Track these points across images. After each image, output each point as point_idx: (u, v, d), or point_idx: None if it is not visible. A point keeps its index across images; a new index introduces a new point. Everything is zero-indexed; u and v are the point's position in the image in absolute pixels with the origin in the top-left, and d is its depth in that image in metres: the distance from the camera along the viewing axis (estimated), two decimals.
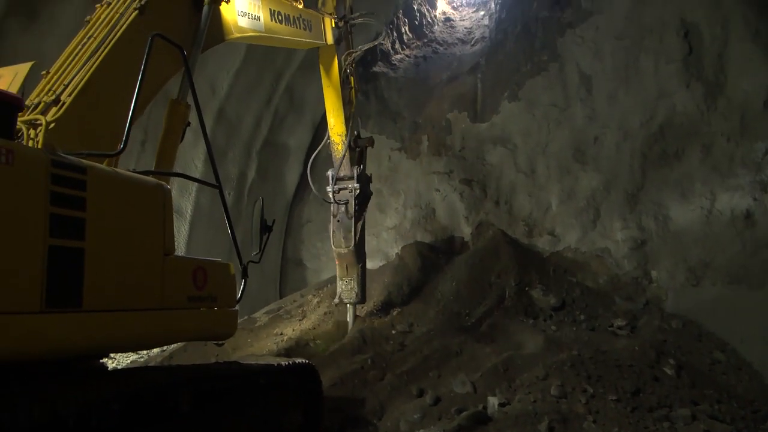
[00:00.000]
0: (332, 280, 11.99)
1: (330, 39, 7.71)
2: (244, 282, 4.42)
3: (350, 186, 8.70)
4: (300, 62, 11.78)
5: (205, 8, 4.96)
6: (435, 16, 15.79)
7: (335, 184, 8.86)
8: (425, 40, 15.06)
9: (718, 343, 8.45)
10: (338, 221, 8.80)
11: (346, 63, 8.22)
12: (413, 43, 14.86)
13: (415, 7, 14.98)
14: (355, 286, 8.82)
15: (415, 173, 12.64)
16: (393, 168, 12.84)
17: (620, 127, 10.49)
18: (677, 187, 9.83)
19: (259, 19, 5.94)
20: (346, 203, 8.74)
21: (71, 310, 2.88)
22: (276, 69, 11.66)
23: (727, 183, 9.35)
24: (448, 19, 15.89)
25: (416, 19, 15.10)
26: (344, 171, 8.74)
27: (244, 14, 5.69)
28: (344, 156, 8.60)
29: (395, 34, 14.45)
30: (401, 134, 12.98)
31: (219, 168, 4.64)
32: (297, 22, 6.79)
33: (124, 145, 3.51)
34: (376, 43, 8.34)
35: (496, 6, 14.07)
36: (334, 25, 7.81)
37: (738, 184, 9.25)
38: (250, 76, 11.23)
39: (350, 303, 8.99)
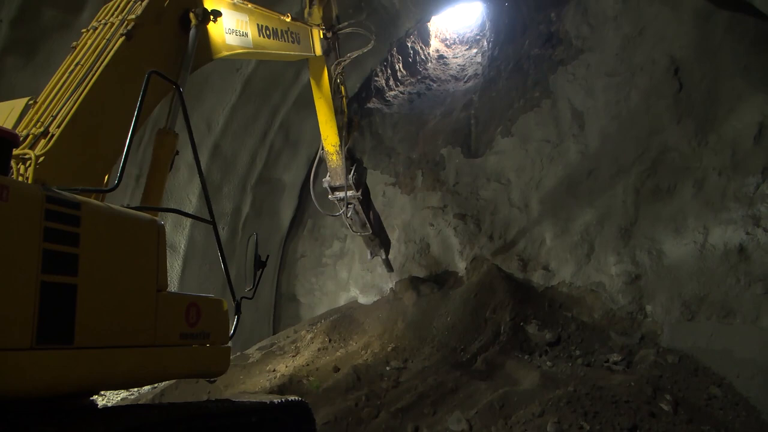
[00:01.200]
0: (326, 316, 11.93)
1: (318, 50, 7.66)
2: (237, 318, 4.36)
3: (349, 194, 8.70)
4: (296, 98, 11.90)
5: (193, 29, 4.89)
6: (428, 53, 16.03)
7: (333, 194, 8.92)
8: (419, 77, 15.27)
9: (714, 378, 8.38)
10: (351, 219, 9.03)
11: (336, 73, 8.18)
12: (407, 80, 15.06)
13: (409, 44, 15.22)
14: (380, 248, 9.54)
15: (409, 208, 12.67)
16: (387, 203, 12.88)
17: (613, 162, 10.58)
18: (671, 222, 9.87)
19: (247, 35, 5.91)
20: (351, 206, 8.84)
21: (62, 347, 2.85)
22: (272, 105, 11.76)
23: (719, 217, 9.40)
24: (441, 57, 16.13)
25: (410, 57, 15.33)
26: (340, 180, 8.67)
27: (232, 31, 5.65)
28: (342, 165, 8.57)
29: (389, 71, 14.65)
30: (396, 169, 13.05)
31: (214, 203, 4.58)
32: (285, 35, 6.71)
33: (119, 181, 3.45)
34: (365, 50, 8.38)
35: (488, 44, 14.30)
36: (322, 36, 7.76)
37: (730, 218, 9.30)
38: (246, 113, 11.33)
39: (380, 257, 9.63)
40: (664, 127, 10.11)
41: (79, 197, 3.10)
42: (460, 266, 11.79)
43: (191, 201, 10.52)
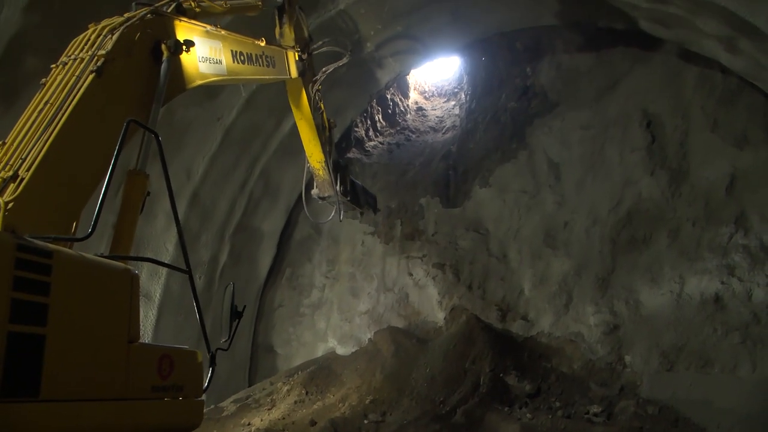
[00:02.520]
0: (303, 367, 11.72)
1: (294, 72, 7.50)
2: (212, 370, 4.19)
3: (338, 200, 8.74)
4: (276, 147, 11.94)
5: (165, 61, 4.70)
6: (408, 105, 16.31)
7: (322, 202, 8.93)
8: (398, 128, 15.49)
9: (694, 428, 8.36)
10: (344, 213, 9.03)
11: (314, 91, 8.07)
12: (386, 131, 15.26)
13: (389, 96, 15.48)
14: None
15: (388, 257, 12.65)
16: (367, 252, 12.86)
17: (589, 213, 10.75)
18: (647, 272, 10.00)
19: (221, 62, 5.73)
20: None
21: (28, 400, 2.74)
22: (252, 154, 11.79)
23: (695, 267, 9.56)
24: (420, 109, 16.42)
25: (389, 108, 15.57)
26: (329, 191, 8.60)
27: (206, 59, 5.47)
28: (329, 177, 8.52)
29: (369, 122, 14.85)
30: (375, 219, 13.05)
31: (191, 252, 4.46)
32: (260, 59, 6.56)
33: (92, 230, 3.35)
34: (339, 64, 8.39)
35: (466, 96, 14.61)
36: (297, 58, 7.61)
37: (706, 268, 9.46)
38: (226, 161, 11.33)
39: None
40: (638, 179, 10.35)
41: (51, 246, 3.02)
42: (440, 316, 11.72)
43: (168, 249, 10.38)
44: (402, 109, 16.03)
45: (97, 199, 3.49)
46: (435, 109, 16.32)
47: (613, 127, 10.72)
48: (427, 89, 17.15)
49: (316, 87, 8.07)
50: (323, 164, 8.37)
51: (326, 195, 8.64)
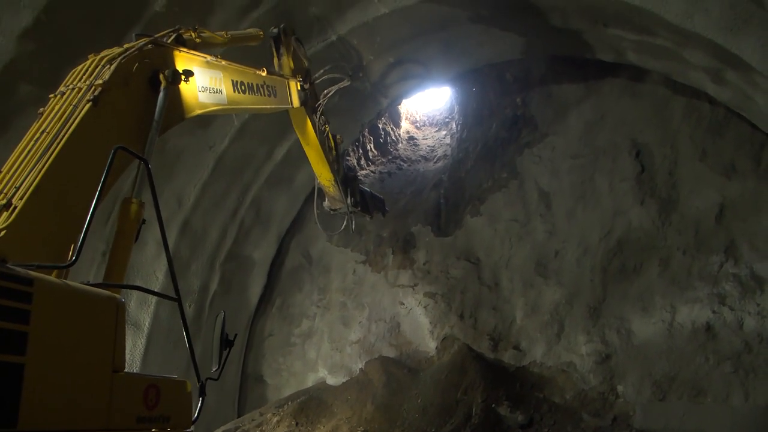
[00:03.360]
0: (293, 397, 11.56)
1: (296, 102, 7.52)
2: (202, 400, 4.15)
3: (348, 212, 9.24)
4: (268, 176, 11.93)
5: (162, 91, 4.75)
6: (399, 134, 16.40)
7: (333, 212, 9.49)
8: (390, 157, 15.55)
9: None
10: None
11: (318, 117, 8.16)
12: (378, 160, 15.32)
13: (380, 126, 15.57)
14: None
15: (380, 286, 12.58)
16: (358, 281, 12.79)
17: (580, 242, 10.77)
18: (638, 301, 9.99)
19: (221, 92, 5.77)
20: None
21: (5, 430, 2.66)
22: (244, 182, 11.77)
23: (686, 296, 9.57)
24: (411, 138, 16.51)
25: (381, 138, 15.65)
26: (339, 204, 8.98)
27: (206, 89, 5.51)
28: (339, 193, 8.97)
29: (361, 150, 14.92)
30: (366, 247, 13.05)
31: (181, 280, 4.40)
32: (261, 89, 6.58)
33: (77, 257, 3.34)
34: (341, 86, 8.65)
35: (457, 126, 14.70)
36: (299, 88, 7.65)
37: (697, 296, 9.47)
38: (217, 189, 11.30)
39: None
40: (628, 208, 10.41)
41: (32, 273, 2.98)
42: (431, 346, 11.62)
43: (158, 277, 10.28)
44: (394, 138, 16.11)
45: (102, 233, 3.47)
46: (426, 139, 16.41)
47: (603, 156, 10.81)
48: (418, 119, 17.27)
49: (319, 111, 8.19)
50: (332, 182, 8.65)
51: (337, 207, 9.06)
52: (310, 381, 12.39)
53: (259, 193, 12.02)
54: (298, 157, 12.05)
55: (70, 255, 3.49)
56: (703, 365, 9.07)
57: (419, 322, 11.95)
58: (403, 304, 12.24)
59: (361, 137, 14.66)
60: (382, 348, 12.01)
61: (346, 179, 8.99)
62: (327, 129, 8.49)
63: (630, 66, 10.38)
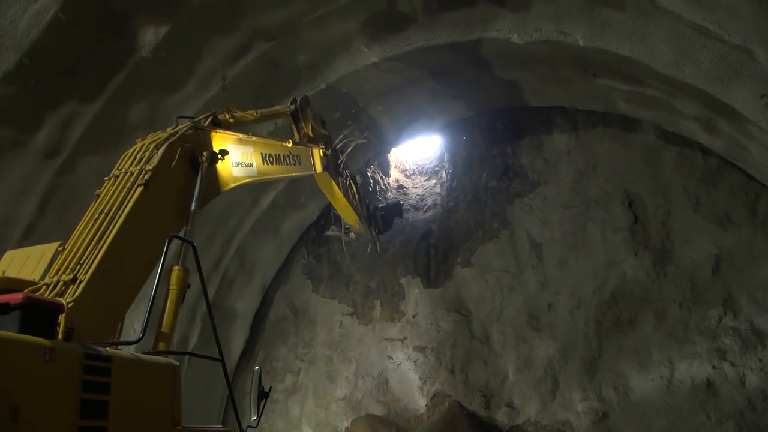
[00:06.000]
0: None
1: (319, 168, 7.93)
2: None
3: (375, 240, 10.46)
4: (253, 224, 11.65)
5: (202, 170, 5.26)
6: (388, 183, 16.22)
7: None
8: None
9: None
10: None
11: (343, 179, 8.74)
12: None
13: (369, 174, 15.38)
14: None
15: (367, 340, 12.15)
16: (344, 334, 12.37)
17: (573, 294, 10.52)
18: (634, 355, 9.70)
19: (252, 165, 6.24)
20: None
21: None
22: (228, 231, 11.45)
23: (684, 351, 9.31)
24: (401, 186, 16.33)
25: (370, 186, 15.44)
26: (366, 234, 9.96)
27: (238, 164, 5.99)
28: (365, 230, 9.90)
29: None
30: (353, 299, 12.70)
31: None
32: (287, 159, 7.08)
33: (144, 333, 3.94)
34: (359, 142, 9.73)
35: (447, 175, 14.57)
36: (322, 154, 8.05)
37: (695, 351, 9.22)
38: (201, 238, 10.96)
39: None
40: (621, 259, 10.22)
41: (110, 350, 3.67)
42: (421, 403, 11.16)
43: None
44: (383, 187, 15.92)
45: (152, 307, 4.13)
46: (416, 188, 16.24)
47: (595, 206, 10.68)
48: (408, 167, 17.13)
49: (341, 167, 8.80)
50: (358, 222, 9.48)
51: (364, 236, 10.16)
52: None
53: (243, 241, 11.70)
54: (285, 205, 11.90)
55: (140, 331, 3.99)
56: (705, 424, 8.74)
57: (408, 378, 11.52)
58: (391, 358, 11.81)
59: None
60: (369, 405, 11.52)
61: (369, 215, 9.90)
62: (349, 180, 9.06)
63: (621, 115, 10.36)
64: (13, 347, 3.00)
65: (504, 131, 12.37)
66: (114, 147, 8.58)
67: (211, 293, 11.39)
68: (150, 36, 8.13)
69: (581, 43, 8.36)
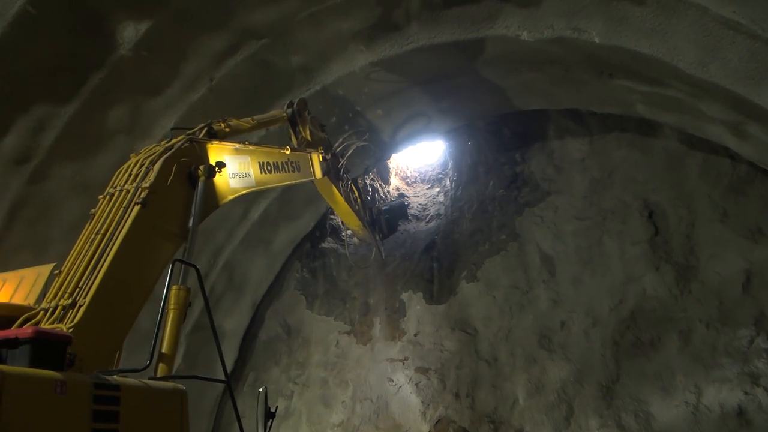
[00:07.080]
0: None
1: (319, 173, 7.87)
2: None
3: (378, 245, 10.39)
4: (242, 237, 11.05)
5: (200, 184, 5.18)
6: (388, 191, 15.61)
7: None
8: None
9: None
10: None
11: (344, 183, 8.66)
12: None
13: (368, 182, 14.80)
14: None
15: (365, 360, 11.49)
16: (341, 354, 11.71)
17: (588, 312, 9.87)
18: (657, 380, 9.04)
19: (249, 175, 6.17)
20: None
21: None
22: (216, 244, 10.82)
23: (712, 375, 8.66)
24: (401, 195, 15.73)
25: (368, 195, 14.84)
26: (369, 239, 10.00)
27: (236, 175, 5.91)
28: (369, 236, 9.93)
29: None
30: (351, 316, 12.05)
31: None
32: (286, 166, 6.99)
33: (150, 360, 4.08)
34: (359, 145, 9.41)
35: (451, 183, 13.98)
36: (321, 159, 7.98)
37: (725, 376, 8.58)
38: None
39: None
40: (641, 274, 9.59)
41: (118, 379, 3.66)
42: (423, 429, 10.47)
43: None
44: (382, 195, 15.31)
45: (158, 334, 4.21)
46: (418, 196, 15.63)
47: (611, 217, 10.04)
48: (409, 174, 16.55)
49: (341, 171, 8.69)
50: (361, 226, 9.45)
51: (368, 242, 10.21)
52: None
53: (232, 256, 11.08)
54: (276, 217, 11.37)
55: (147, 359, 4.09)
56: None
57: (410, 402, 10.83)
58: (391, 380, 11.13)
59: None
60: (367, 431, 10.84)
61: (373, 220, 9.91)
62: (350, 184, 8.98)
63: (639, 119, 9.75)
64: (26, 383, 3.05)
65: (512, 137, 11.76)
66: (91, 153, 8.21)
67: (195, 312, 10.70)
68: (130, 32, 7.64)
69: (597, 40, 7.77)
